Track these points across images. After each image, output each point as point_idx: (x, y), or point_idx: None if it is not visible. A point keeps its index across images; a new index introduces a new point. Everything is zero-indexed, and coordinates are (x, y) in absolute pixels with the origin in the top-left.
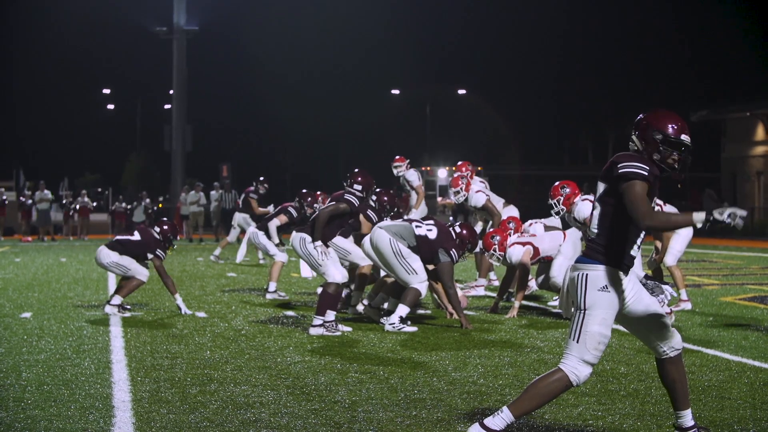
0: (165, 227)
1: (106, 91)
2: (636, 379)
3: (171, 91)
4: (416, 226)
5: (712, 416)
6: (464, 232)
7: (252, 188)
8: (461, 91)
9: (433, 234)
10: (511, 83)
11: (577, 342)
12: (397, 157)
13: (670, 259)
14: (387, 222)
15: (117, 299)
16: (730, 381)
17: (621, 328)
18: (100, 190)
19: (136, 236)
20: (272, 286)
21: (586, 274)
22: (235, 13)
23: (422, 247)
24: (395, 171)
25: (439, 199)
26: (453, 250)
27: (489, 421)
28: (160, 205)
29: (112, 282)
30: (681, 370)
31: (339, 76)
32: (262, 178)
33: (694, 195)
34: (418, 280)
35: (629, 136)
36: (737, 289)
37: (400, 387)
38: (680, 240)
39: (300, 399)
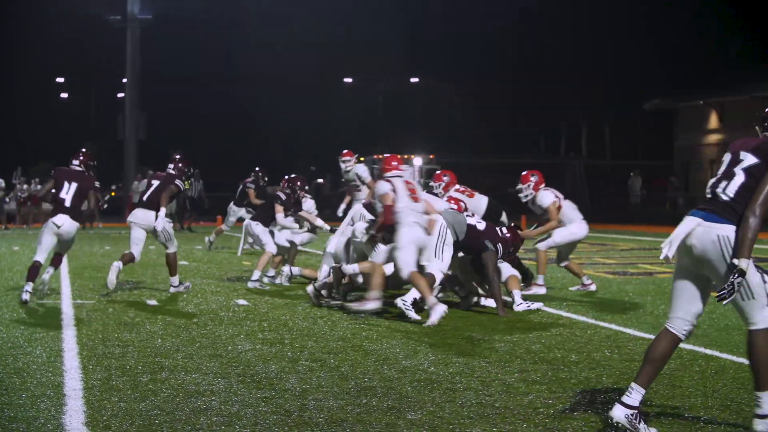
0: (180, 163)
1: (60, 79)
2: (587, 367)
3: (125, 80)
4: (467, 215)
5: (663, 404)
6: (509, 235)
7: (250, 179)
8: (413, 80)
9: (482, 226)
10: (468, 72)
11: (754, 298)
12: (345, 151)
13: (544, 245)
14: (448, 211)
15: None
16: (682, 369)
17: (573, 315)
18: None
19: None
20: (256, 275)
21: (728, 236)
22: (190, 2)
23: (470, 233)
24: (343, 166)
25: None
26: (499, 244)
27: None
28: (113, 194)
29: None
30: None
31: (293, 65)
32: (258, 169)
33: (656, 183)
34: (439, 266)
35: (578, 125)
36: None
37: (350, 375)
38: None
39: (250, 387)
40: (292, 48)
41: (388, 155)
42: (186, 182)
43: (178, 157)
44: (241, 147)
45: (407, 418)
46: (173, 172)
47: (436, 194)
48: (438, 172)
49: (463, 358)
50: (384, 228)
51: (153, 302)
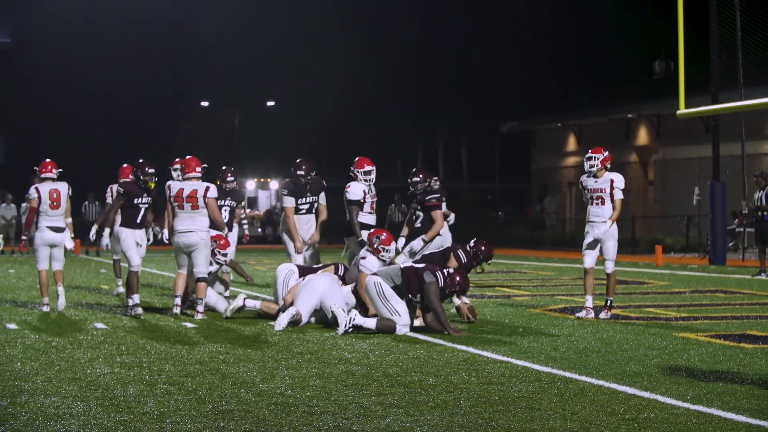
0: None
1: None
2: (445, 390)
3: None
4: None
5: (522, 427)
6: (457, 278)
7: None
8: (270, 103)
9: (419, 265)
10: (323, 95)
11: None
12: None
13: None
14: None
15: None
16: (540, 392)
17: (430, 338)
18: None
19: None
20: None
21: None
22: (49, 26)
23: (406, 274)
24: (175, 174)
25: (247, 210)
26: (439, 273)
27: None
28: None
29: None
30: None
31: (148, 89)
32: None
33: (529, 212)
34: (402, 322)
35: (435, 148)
36: (548, 299)
37: (208, 398)
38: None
39: (109, 410)
40: (147, 70)
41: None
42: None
43: None
44: (99, 170)
45: None
46: None
47: None
48: None
49: (320, 381)
50: None
51: (12, 326)
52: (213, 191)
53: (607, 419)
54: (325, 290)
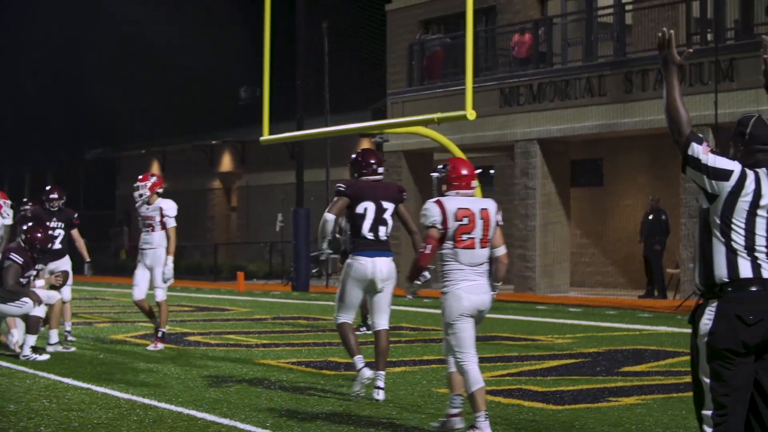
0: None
1: None
2: (26, 417)
3: None
4: None
5: None
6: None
7: None
8: None
9: None
10: None
11: None
12: None
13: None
14: None
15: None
16: (120, 418)
17: (12, 365)
18: None
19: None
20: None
21: None
22: None
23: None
24: None
25: None
26: (14, 254)
27: None
28: None
29: None
30: None
31: None
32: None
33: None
34: (30, 309)
35: (22, 175)
36: (129, 326)
37: None
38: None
39: None
40: None
41: None
42: None
43: None
44: None
45: None
46: None
47: None
48: None
49: None
50: None
51: None
52: None
53: None
54: None
